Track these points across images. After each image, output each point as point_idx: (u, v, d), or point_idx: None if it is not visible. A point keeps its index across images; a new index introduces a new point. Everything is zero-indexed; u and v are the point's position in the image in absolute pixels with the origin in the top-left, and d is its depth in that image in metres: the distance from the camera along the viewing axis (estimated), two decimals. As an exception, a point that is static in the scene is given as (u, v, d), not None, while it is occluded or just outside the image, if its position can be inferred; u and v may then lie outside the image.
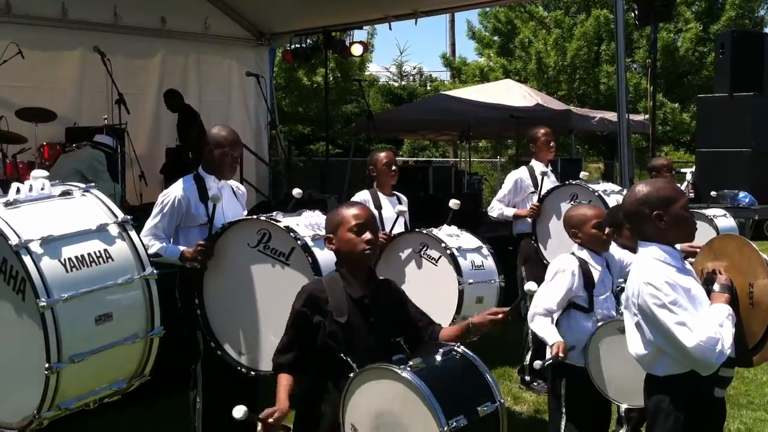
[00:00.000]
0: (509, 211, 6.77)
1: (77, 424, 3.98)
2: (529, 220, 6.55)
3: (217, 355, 4.28)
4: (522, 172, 6.81)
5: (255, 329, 4.14)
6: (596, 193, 6.01)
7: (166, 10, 11.80)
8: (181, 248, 4.47)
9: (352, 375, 3.04)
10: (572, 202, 6.04)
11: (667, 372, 3.26)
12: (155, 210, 4.60)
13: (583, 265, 4.39)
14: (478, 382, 3.13)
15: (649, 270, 3.26)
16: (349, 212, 3.30)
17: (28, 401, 2.87)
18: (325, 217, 3.47)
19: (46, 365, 2.77)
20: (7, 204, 2.97)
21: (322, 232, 3.86)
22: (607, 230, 4.44)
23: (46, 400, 2.83)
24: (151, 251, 4.27)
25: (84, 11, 10.94)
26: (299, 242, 3.88)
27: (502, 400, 3.11)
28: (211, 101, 12.57)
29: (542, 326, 4.30)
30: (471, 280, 4.77)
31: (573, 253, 4.47)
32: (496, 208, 6.86)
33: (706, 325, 3.13)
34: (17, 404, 2.95)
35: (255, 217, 4.24)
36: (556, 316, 4.34)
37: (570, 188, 6.31)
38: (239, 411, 2.94)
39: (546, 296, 4.34)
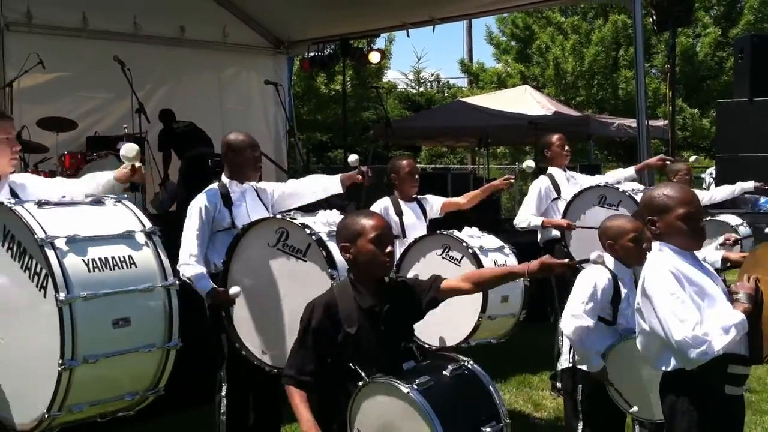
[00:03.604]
0: (537, 220, 6.65)
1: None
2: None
3: (241, 359, 4.30)
4: (543, 181, 6.78)
5: (278, 327, 4.17)
6: (626, 193, 5.97)
7: (185, 19, 11.87)
8: (212, 286, 4.45)
9: (360, 384, 3.05)
10: (601, 204, 6.01)
11: (673, 366, 3.27)
12: (188, 224, 4.67)
13: (613, 278, 4.35)
14: (485, 400, 3.15)
15: (656, 259, 3.35)
16: (370, 223, 3.29)
17: (40, 401, 2.89)
18: (340, 222, 3.46)
19: (60, 361, 2.78)
20: (39, 204, 3.02)
21: None
22: (645, 244, 4.36)
23: (57, 397, 2.83)
24: (187, 273, 4.41)
25: (104, 21, 11.04)
26: (314, 237, 3.93)
27: (508, 421, 3.12)
28: (230, 110, 12.63)
29: (583, 351, 4.26)
30: None
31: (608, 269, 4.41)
32: (525, 219, 6.76)
33: (707, 324, 3.15)
34: (30, 405, 2.96)
35: (272, 216, 4.32)
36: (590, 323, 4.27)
37: (598, 190, 6.26)
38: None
39: (576, 306, 4.30)
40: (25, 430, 2.98)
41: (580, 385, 4.39)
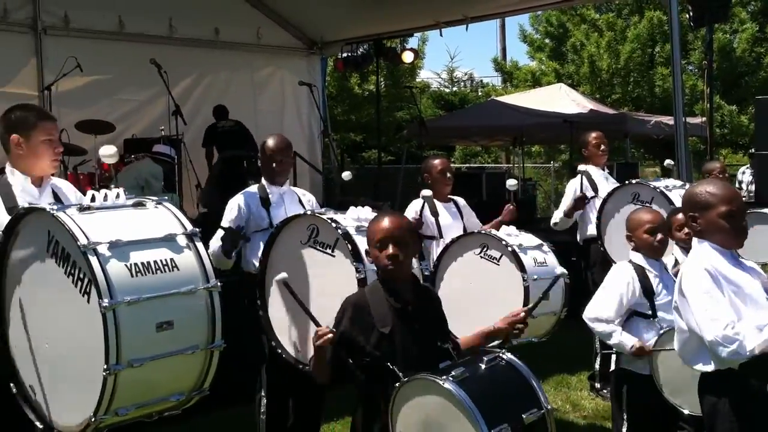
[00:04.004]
0: (558, 213, 6.75)
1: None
2: (594, 224, 6.44)
3: (281, 358, 4.32)
4: (579, 180, 6.74)
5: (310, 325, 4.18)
6: (658, 190, 5.91)
7: (220, 21, 11.96)
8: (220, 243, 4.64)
9: (397, 385, 3.05)
10: (634, 202, 5.96)
11: (709, 366, 3.23)
12: (224, 216, 4.88)
13: (640, 272, 4.33)
14: (524, 388, 3.13)
15: (694, 256, 3.35)
16: (375, 226, 3.31)
17: (86, 405, 2.91)
18: (370, 226, 3.46)
19: (105, 366, 2.80)
20: (81, 209, 3.05)
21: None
22: (659, 236, 4.37)
23: (103, 402, 2.85)
24: (212, 248, 4.65)
25: (140, 24, 11.16)
26: (340, 231, 3.95)
27: (549, 407, 3.09)
28: (264, 111, 12.71)
29: (612, 334, 4.28)
30: (535, 277, 4.73)
31: (630, 261, 4.42)
32: (554, 217, 6.85)
33: (743, 323, 3.12)
34: (75, 408, 2.99)
35: (303, 213, 4.36)
36: (617, 322, 4.29)
37: (631, 188, 6.21)
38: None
39: (600, 304, 4.31)
40: (72, 431, 3.02)
41: (626, 387, 4.36)
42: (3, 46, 9.36)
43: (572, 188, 6.77)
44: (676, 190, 5.93)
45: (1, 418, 3.55)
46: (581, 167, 6.80)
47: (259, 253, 4.48)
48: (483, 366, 3.11)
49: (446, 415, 2.92)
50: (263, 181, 4.98)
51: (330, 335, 3.13)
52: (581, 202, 6.56)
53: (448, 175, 5.91)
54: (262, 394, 4.65)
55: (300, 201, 4.98)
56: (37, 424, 3.15)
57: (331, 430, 5.67)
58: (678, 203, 5.42)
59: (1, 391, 3.29)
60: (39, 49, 10.38)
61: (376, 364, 3.16)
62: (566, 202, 6.76)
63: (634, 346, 4.22)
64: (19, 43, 10.29)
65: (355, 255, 3.85)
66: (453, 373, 2.97)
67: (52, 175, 3.84)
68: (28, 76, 10.31)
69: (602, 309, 4.31)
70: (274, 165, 4.94)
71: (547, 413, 3.06)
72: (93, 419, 2.88)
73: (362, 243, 3.79)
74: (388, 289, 3.26)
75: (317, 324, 3.20)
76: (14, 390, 3.21)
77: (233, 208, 4.87)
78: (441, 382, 2.92)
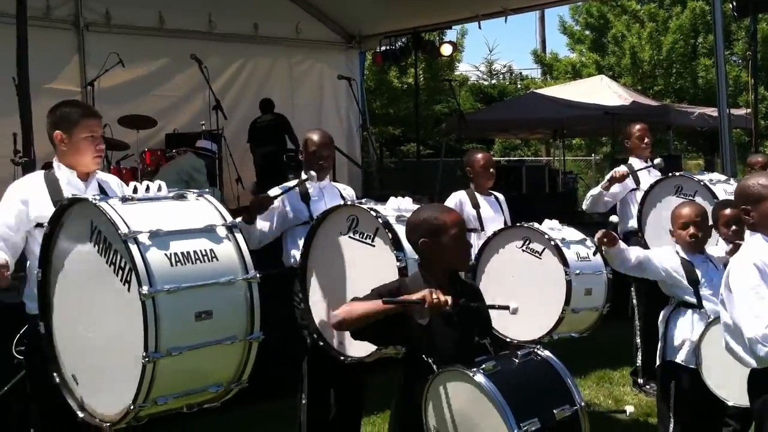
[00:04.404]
0: (593, 190, 6.61)
1: (171, 427, 4.03)
2: (635, 217, 6.35)
3: (323, 351, 4.33)
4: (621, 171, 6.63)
5: None
6: (702, 183, 5.81)
7: (259, 16, 12.02)
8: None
9: (430, 377, 3.04)
10: (678, 195, 5.87)
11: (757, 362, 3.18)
12: None
13: (684, 263, 4.30)
14: (557, 384, 3.10)
15: (744, 250, 3.31)
16: (450, 218, 3.28)
17: (125, 393, 2.93)
18: (416, 217, 3.41)
19: (143, 353, 2.82)
20: (124, 200, 3.08)
21: (408, 214, 3.90)
22: (691, 230, 4.33)
23: (141, 389, 2.87)
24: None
25: (180, 20, 11.27)
26: (380, 220, 3.94)
27: (582, 403, 3.05)
28: (303, 105, 12.75)
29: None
30: (578, 271, 4.68)
31: (677, 252, 4.40)
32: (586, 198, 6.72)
33: None
34: (115, 397, 3.01)
35: (343, 203, 4.35)
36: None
37: (674, 180, 6.10)
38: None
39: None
40: (112, 420, 3.05)
41: (673, 381, 4.30)
42: (46, 43, 9.47)
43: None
44: (720, 184, 5.83)
45: (45, 407, 3.59)
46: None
47: (300, 247, 4.48)
48: (517, 360, 3.09)
49: (476, 407, 2.92)
50: (303, 175, 4.95)
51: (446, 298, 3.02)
52: (622, 177, 6.41)
53: (491, 169, 5.89)
54: (304, 386, 4.66)
55: (341, 195, 4.96)
56: (78, 413, 3.18)
57: (371, 423, 5.67)
58: (722, 197, 5.35)
59: (44, 380, 3.34)
60: (81, 45, 10.53)
61: (413, 355, 3.16)
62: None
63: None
64: (62, 39, 10.45)
65: (395, 243, 3.83)
66: (484, 366, 2.96)
67: (98, 170, 3.88)
68: (71, 73, 10.46)
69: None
70: (320, 161, 4.91)
71: (580, 410, 3.03)
72: (132, 407, 2.90)
73: (402, 231, 3.76)
74: (429, 281, 3.24)
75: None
76: (57, 379, 3.26)
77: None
78: (471, 374, 2.91)
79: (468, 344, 3.19)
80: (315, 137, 4.95)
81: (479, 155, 5.99)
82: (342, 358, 4.20)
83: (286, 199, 4.82)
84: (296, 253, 4.60)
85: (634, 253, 4.45)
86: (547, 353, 3.17)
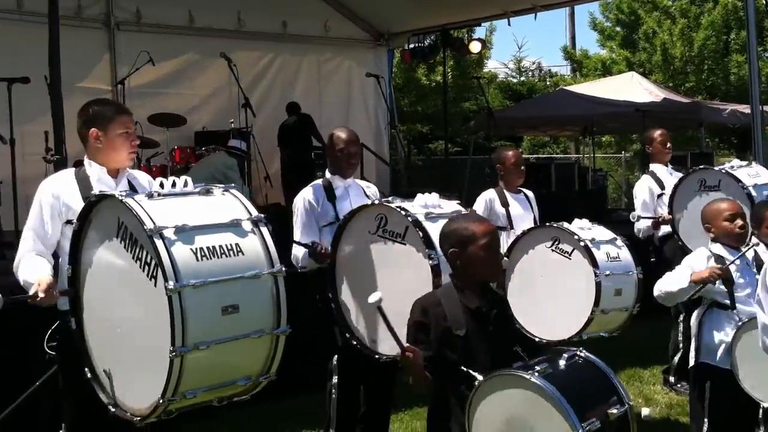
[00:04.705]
0: (646, 223, 6.39)
1: (201, 421, 4.07)
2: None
3: (352, 349, 4.34)
4: (645, 182, 6.60)
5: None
6: (723, 171, 5.75)
7: (288, 14, 12.06)
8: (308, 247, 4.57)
9: (476, 384, 3.01)
10: (702, 189, 5.80)
11: None
12: (294, 219, 4.81)
13: (717, 261, 4.24)
14: (606, 385, 3.10)
15: None
16: (480, 228, 3.27)
17: (155, 388, 2.94)
18: (447, 226, 3.42)
19: (171, 348, 2.83)
20: (150, 196, 3.09)
21: (437, 211, 3.95)
22: (739, 222, 4.28)
23: (170, 383, 2.88)
24: (298, 257, 4.64)
25: (209, 18, 11.34)
26: (410, 219, 3.91)
27: (631, 403, 3.05)
28: (331, 103, 12.78)
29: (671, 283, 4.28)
30: (608, 272, 4.64)
31: (709, 250, 4.33)
32: (638, 227, 6.46)
33: None
34: (145, 391, 3.03)
35: (371, 203, 4.33)
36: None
37: (696, 175, 6.03)
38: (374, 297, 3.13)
39: (667, 280, 4.26)
40: (142, 414, 3.07)
41: (708, 383, 4.25)
42: (77, 42, 9.56)
43: (640, 192, 6.60)
44: (741, 169, 5.76)
45: (76, 402, 3.62)
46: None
47: (328, 247, 4.48)
48: (563, 363, 3.08)
49: (533, 410, 2.88)
50: (327, 174, 4.92)
51: (418, 354, 3.12)
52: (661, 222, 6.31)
53: (521, 167, 5.86)
54: (334, 383, 4.67)
55: (365, 193, 4.94)
56: (110, 408, 3.21)
57: (399, 420, 5.67)
58: (746, 182, 5.41)
59: (75, 375, 3.37)
60: (112, 44, 10.63)
61: (450, 367, 3.14)
62: (639, 207, 6.57)
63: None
64: (93, 38, 10.55)
65: (426, 242, 3.80)
66: (537, 368, 2.94)
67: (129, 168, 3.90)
68: (101, 71, 10.57)
69: (668, 284, 4.25)
70: (349, 159, 4.87)
71: (629, 409, 3.03)
72: (161, 401, 2.92)
73: (432, 229, 3.76)
74: (462, 292, 3.24)
75: (402, 347, 3.17)
76: (88, 374, 3.28)
77: (299, 211, 4.78)
78: (528, 377, 2.89)
79: (504, 352, 3.17)
80: (343, 135, 4.90)
81: (509, 152, 5.96)
82: (376, 356, 4.19)
83: (318, 200, 4.79)
84: None
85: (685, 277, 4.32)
86: (588, 354, 3.17)
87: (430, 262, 3.73)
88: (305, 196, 4.79)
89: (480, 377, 3.01)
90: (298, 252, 4.66)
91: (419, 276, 3.76)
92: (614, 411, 2.98)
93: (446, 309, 3.19)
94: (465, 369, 3.06)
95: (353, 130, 5.08)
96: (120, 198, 3.05)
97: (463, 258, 3.25)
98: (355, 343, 4.30)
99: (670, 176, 6.49)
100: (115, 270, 3.14)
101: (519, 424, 2.93)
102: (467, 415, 3.03)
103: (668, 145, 6.65)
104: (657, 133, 6.70)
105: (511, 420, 2.95)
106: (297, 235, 4.74)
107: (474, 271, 3.26)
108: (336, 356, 4.63)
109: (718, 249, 4.31)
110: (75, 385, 3.48)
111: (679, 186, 6.14)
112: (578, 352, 3.15)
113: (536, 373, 2.90)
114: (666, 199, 6.28)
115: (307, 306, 4.50)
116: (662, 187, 6.46)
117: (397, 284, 3.88)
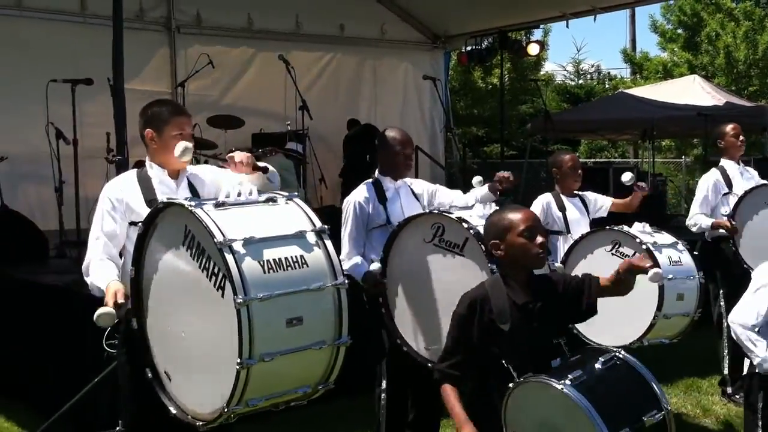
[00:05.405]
0: (707, 221, 6.23)
1: (253, 423, 4.08)
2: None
3: (401, 354, 4.31)
4: (712, 176, 6.37)
5: (437, 324, 4.14)
6: None
7: (345, 17, 12.12)
8: (366, 269, 4.50)
9: (511, 386, 3.00)
10: None
11: None
12: (343, 220, 4.73)
13: None
14: (643, 389, 3.04)
15: None
16: (517, 216, 3.23)
17: (218, 395, 2.98)
18: (488, 221, 3.39)
19: (238, 360, 2.86)
20: (217, 205, 3.12)
21: None
22: None
23: (235, 394, 2.92)
24: (345, 266, 4.40)
25: (268, 21, 11.46)
26: (472, 231, 3.89)
27: (669, 408, 2.99)
28: (386, 105, 12.80)
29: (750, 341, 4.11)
30: (670, 276, 4.57)
31: None
32: (694, 221, 6.34)
33: None
34: (208, 397, 3.07)
35: (428, 211, 4.32)
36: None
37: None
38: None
39: (746, 310, 4.13)
40: (205, 419, 3.10)
41: (761, 393, 4.15)
42: (139, 45, 9.73)
43: (704, 185, 6.39)
44: None
45: (134, 401, 3.67)
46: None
47: (378, 250, 4.46)
48: (600, 366, 3.03)
49: (564, 417, 2.86)
50: (377, 174, 4.84)
51: None
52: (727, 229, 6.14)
53: (579, 171, 5.79)
54: (383, 387, 4.65)
55: (413, 192, 4.88)
56: (171, 409, 3.24)
57: (451, 426, 5.63)
58: None
59: (135, 374, 3.43)
60: (173, 46, 10.80)
61: (491, 360, 3.12)
62: (698, 200, 6.39)
63: None
64: (154, 41, 10.73)
65: (489, 255, 3.77)
66: (570, 376, 2.90)
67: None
68: (162, 74, 10.74)
69: (748, 315, 4.13)
70: (403, 159, 4.78)
71: (667, 414, 2.97)
72: (225, 409, 2.96)
73: None
74: (510, 285, 3.21)
75: None
76: (149, 374, 3.33)
77: (350, 213, 4.66)
78: (559, 387, 2.86)
79: (546, 345, 3.15)
80: (398, 136, 4.82)
81: (567, 156, 5.89)
82: (429, 365, 4.17)
83: (370, 203, 4.74)
84: (374, 257, 4.56)
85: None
86: (627, 356, 3.11)
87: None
88: (357, 199, 4.70)
89: (516, 377, 3.00)
90: (346, 266, 4.45)
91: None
92: (650, 418, 2.92)
93: (493, 302, 3.17)
94: (506, 365, 3.06)
95: (404, 130, 5.03)
96: (189, 208, 3.07)
97: (504, 248, 3.21)
98: (406, 349, 4.29)
99: (740, 176, 6.29)
100: (181, 276, 3.17)
101: (551, 428, 2.92)
102: (504, 413, 3.03)
103: (741, 137, 6.45)
104: (729, 127, 6.49)
105: (545, 423, 2.94)
106: (344, 246, 4.63)
107: (516, 259, 3.21)
108: (384, 360, 4.63)
109: None
110: (134, 384, 3.53)
111: (749, 193, 5.97)
112: (617, 354, 3.10)
113: (567, 382, 2.86)
114: (732, 200, 6.11)
115: (355, 308, 4.51)
116: (730, 186, 6.27)
117: (454, 295, 3.77)
